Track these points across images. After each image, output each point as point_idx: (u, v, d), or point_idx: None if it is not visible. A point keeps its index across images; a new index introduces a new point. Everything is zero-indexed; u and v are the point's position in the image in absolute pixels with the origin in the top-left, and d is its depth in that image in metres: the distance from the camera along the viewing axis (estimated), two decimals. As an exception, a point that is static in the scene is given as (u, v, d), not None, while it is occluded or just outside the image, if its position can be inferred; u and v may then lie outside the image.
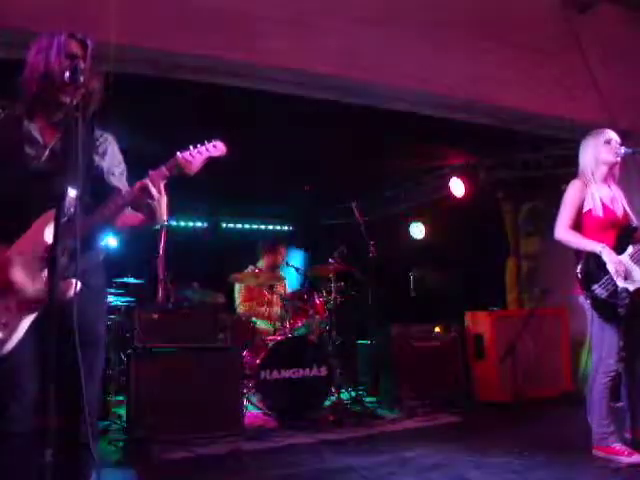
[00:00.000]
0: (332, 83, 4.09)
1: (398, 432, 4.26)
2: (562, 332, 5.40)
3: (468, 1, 4.44)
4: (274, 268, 5.71)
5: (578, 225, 3.26)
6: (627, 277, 3.07)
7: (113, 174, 2.07)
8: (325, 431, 4.18)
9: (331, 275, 5.19)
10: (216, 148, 1.97)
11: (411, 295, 6.93)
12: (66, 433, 1.83)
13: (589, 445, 3.20)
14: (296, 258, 6.98)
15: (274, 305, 5.50)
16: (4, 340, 1.73)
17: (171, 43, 3.51)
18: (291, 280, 6.05)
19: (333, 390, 4.80)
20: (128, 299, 5.25)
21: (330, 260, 5.24)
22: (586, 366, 4.69)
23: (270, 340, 4.80)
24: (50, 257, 1.57)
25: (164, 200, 1.93)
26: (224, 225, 8.32)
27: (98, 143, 2.06)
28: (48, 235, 1.77)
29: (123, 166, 2.14)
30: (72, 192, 1.73)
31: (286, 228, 8.98)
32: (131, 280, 5.41)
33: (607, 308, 3.10)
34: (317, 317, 5.08)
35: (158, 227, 4.87)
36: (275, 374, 4.49)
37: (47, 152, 1.93)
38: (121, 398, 4.67)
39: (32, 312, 1.76)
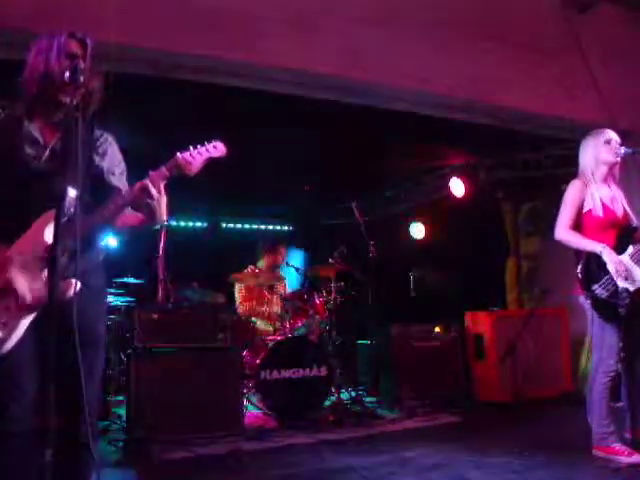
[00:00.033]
0: (332, 83, 4.09)
1: (398, 432, 4.26)
2: (562, 332, 5.40)
3: (468, 1, 4.44)
4: (274, 268, 5.71)
5: (578, 225, 3.26)
6: (627, 277, 3.07)
7: (113, 174, 2.07)
8: (325, 431, 4.18)
9: (331, 275, 5.19)
10: (216, 149, 1.97)
11: (411, 295, 6.93)
12: (66, 433, 1.82)
13: (589, 445, 3.20)
14: (296, 258, 6.98)
15: (274, 305, 5.49)
16: (4, 339, 1.73)
17: (171, 43, 3.51)
18: (291, 280, 6.05)
19: (333, 390, 4.80)
20: (128, 299, 5.25)
21: (330, 260, 5.24)
22: (586, 366, 4.70)
23: (270, 340, 4.80)
24: (50, 257, 1.57)
25: (164, 200, 1.93)
26: (224, 225, 8.32)
27: (98, 143, 2.06)
28: (48, 235, 1.77)
29: (123, 166, 2.14)
30: (72, 192, 1.73)
31: (286, 228, 8.97)
32: (131, 280, 5.41)
33: (607, 308, 3.10)
34: (317, 317, 5.08)
35: (158, 227, 4.87)
36: (275, 374, 4.49)
37: (47, 152, 1.93)
38: (121, 398, 4.67)
39: (32, 312, 1.76)
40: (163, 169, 1.90)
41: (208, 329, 4.26)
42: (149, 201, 1.89)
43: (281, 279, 5.75)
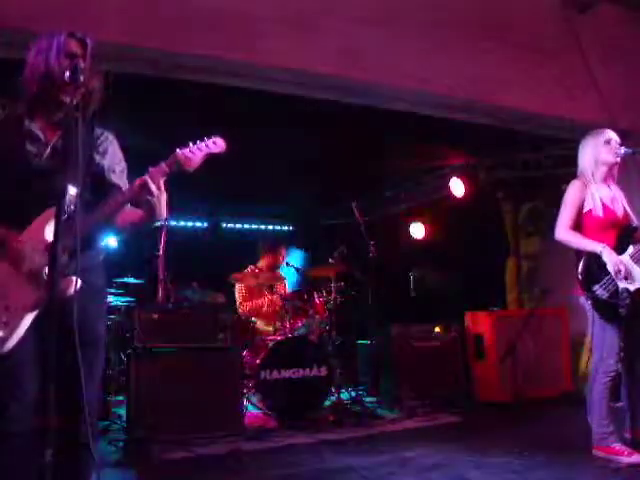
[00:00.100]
0: (332, 83, 4.09)
1: (398, 432, 4.26)
2: (562, 332, 5.39)
3: (468, 1, 4.44)
4: (274, 268, 5.71)
5: (578, 225, 3.26)
6: (628, 277, 3.07)
7: (114, 172, 2.08)
8: (325, 431, 4.18)
9: (331, 275, 5.19)
10: (216, 144, 1.97)
11: (411, 295, 6.93)
12: (66, 433, 1.82)
13: (589, 445, 3.20)
14: (296, 258, 6.99)
15: (274, 305, 5.49)
16: (5, 339, 1.73)
17: (171, 43, 3.51)
18: (291, 280, 6.05)
19: (333, 390, 4.80)
20: (128, 299, 5.25)
21: (330, 260, 5.24)
22: (586, 366, 4.69)
23: (270, 340, 4.80)
24: (50, 255, 1.57)
25: (164, 197, 1.93)
26: (224, 225, 8.32)
27: (99, 142, 2.07)
28: (48, 233, 1.77)
29: (124, 164, 2.14)
30: (72, 190, 1.73)
31: (286, 228, 8.97)
32: (131, 280, 5.41)
33: (608, 308, 3.10)
34: (317, 317, 5.08)
35: (158, 225, 4.86)
36: (275, 374, 4.49)
37: (48, 150, 1.93)
38: (121, 398, 4.67)
39: (33, 310, 1.76)
40: (163, 165, 1.90)
41: (208, 329, 4.26)
42: (149, 197, 1.89)
43: (281, 279, 5.75)
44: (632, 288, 3.08)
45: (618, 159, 3.30)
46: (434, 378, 5.15)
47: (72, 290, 1.72)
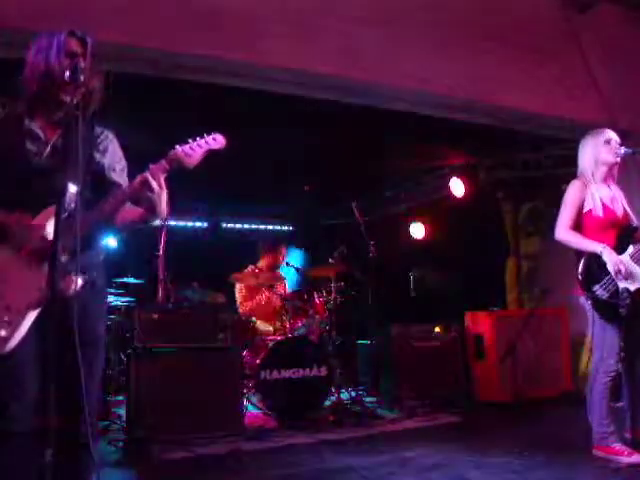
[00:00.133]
0: (332, 83, 4.09)
1: (398, 432, 4.26)
2: (562, 332, 5.39)
3: (468, 1, 4.44)
4: (274, 268, 5.71)
5: (578, 225, 3.26)
6: (628, 277, 3.07)
7: (114, 170, 2.08)
8: (325, 431, 4.18)
9: (331, 275, 5.19)
10: (216, 141, 1.97)
11: (411, 295, 6.93)
12: (66, 433, 1.82)
13: (589, 445, 3.20)
14: (295, 258, 6.99)
15: (274, 305, 5.49)
16: (7, 338, 1.72)
17: (171, 43, 3.51)
18: (291, 280, 6.05)
19: (333, 390, 4.80)
20: (128, 299, 5.25)
21: (330, 260, 5.24)
22: (586, 366, 4.69)
23: (270, 340, 4.80)
24: (50, 253, 1.57)
25: (165, 194, 1.92)
26: (224, 225, 8.32)
27: (99, 140, 2.07)
28: (49, 231, 1.78)
29: (124, 162, 2.14)
30: (73, 188, 1.73)
31: (286, 228, 8.97)
32: (131, 280, 5.41)
33: (608, 309, 3.09)
34: (317, 317, 5.09)
35: (158, 225, 4.86)
36: (275, 374, 4.49)
37: (48, 148, 1.93)
38: (121, 398, 4.67)
39: (35, 308, 1.75)
40: (163, 162, 1.90)
41: (208, 329, 4.26)
42: (150, 194, 1.88)
43: (281, 279, 5.75)
44: (632, 288, 3.08)
45: (618, 159, 3.30)
46: (434, 378, 5.15)
47: (73, 289, 1.72)
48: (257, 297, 5.54)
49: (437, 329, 5.45)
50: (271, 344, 4.65)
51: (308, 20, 3.89)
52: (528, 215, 6.82)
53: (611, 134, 3.33)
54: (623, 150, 3.27)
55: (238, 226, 8.53)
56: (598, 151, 3.29)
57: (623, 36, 5.05)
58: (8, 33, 3.12)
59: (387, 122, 4.90)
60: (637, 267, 3.11)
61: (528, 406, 4.75)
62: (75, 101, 1.85)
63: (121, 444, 3.78)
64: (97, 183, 2.00)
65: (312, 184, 6.89)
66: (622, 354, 3.16)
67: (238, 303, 5.52)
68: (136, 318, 4.11)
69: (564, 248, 3.30)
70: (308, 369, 4.62)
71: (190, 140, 1.93)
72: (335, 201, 7.15)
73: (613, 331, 3.11)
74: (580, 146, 3.40)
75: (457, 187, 6.45)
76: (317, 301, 5.18)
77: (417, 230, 7.45)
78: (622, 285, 3.07)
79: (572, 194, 3.29)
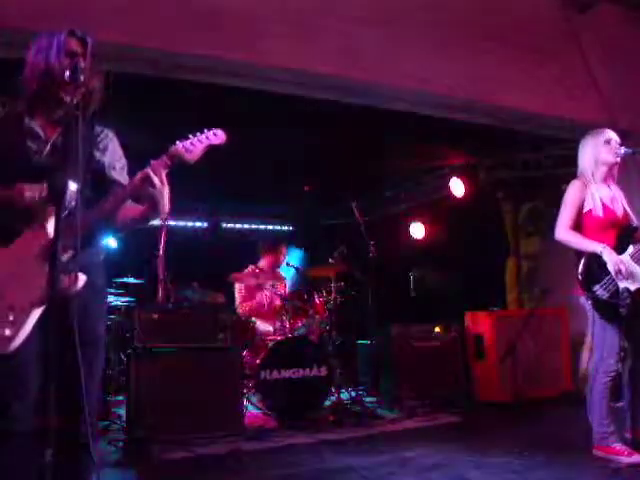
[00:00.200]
0: (332, 83, 4.09)
1: (398, 432, 4.26)
2: (562, 332, 5.39)
3: (468, 1, 4.44)
4: (275, 268, 5.71)
5: (578, 225, 3.26)
6: (628, 277, 3.07)
7: (114, 168, 2.07)
8: (325, 431, 4.18)
9: (331, 275, 5.19)
10: (216, 136, 1.97)
11: (411, 295, 6.93)
12: (66, 433, 1.82)
13: (589, 445, 3.20)
14: (295, 257, 6.99)
15: (274, 305, 5.50)
16: (11, 337, 1.72)
17: (171, 43, 3.51)
18: (291, 280, 6.05)
19: (333, 390, 4.80)
20: (128, 299, 5.25)
21: (330, 260, 5.24)
22: (586, 366, 4.69)
23: (270, 340, 4.80)
24: (51, 252, 1.57)
25: (166, 190, 1.92)
26: (224, 225, 8.32)
27: (99, 139, 2.07)
28: (50, 229, 1.78)
29: (124, 161, 2.14)
30: (73, 186, 1.73)
31: (286, 228, 8.98)
32: (131, 280, 5.41)
33: (608, 309, 3.09)
34: (317, 317, 5.09)
35: (158, 225, 4.87)
36: (275, 374, 4.49)
37: (49, 147, 1.93)
38: (121, 398, 4.67)
39: (39, 306, 1.75)
40: (164, 157, 1.90)
41: (208, 329, 4.26)
42: (152, 190, 1.88)
43: (281, 279, 5.75)
44: (632, 288, 3.08)
45: (618, 159, 3.30)
46: (434, 378, 5.15)
47: (76, 287, 1.72)
48: (257, 297, 5.54)
49: (437, 329, 5.44)
50: (271, 344, 4.65)
51: (308, 20, 3.89)
52: (528, 215, 6.82)
53: (611, 134, 3.33)
54: (623, 150, 3.27)
55: (238, 226, 8.53)
56: (598, 151, 3.29)
57: (623, 36, 5.06)
58: (8, 33, 3.12)
59: (387, 122, 4.91)
60: (637, 267, 3.11)
61: (528, 406, 4.75)
62: (75, 101, 1.85)
63: (121, 444, 3.78)
64: (97, 182, 2.00)
65: (312, 184, 6.89)
66: (622, 354, 3.16)
67: (237, 303, 5.51)
68: (136, 318, 4.11)
69: (564, 248, 3.30)
70: (308, 369, 4.62)
71: (190, 136, 1.93)
72: (335, 201, 7.15)
73: (613, 331, 3.11)
74: (580, 146, 3.40)
75: (457, 187, 6.45)
76: (317, 301, 5.18)
77: (417, 230, 7.45)
78: (622, 285, 3.07)
79: (572, 194, 3.29)
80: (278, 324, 5.09)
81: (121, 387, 4.79)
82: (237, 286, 5.56)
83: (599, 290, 3.09)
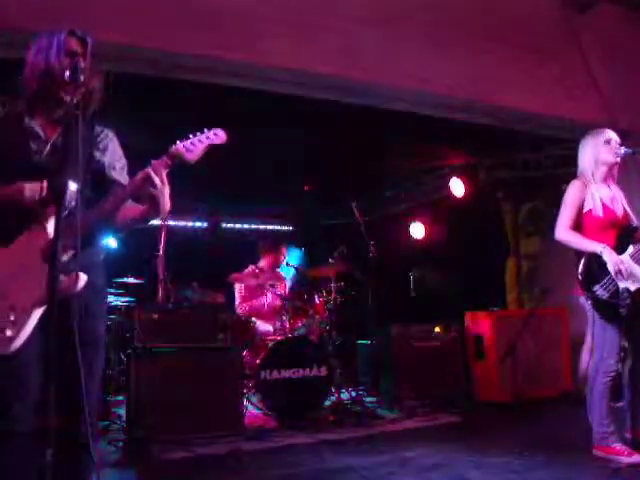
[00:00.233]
0: (332, 83, 4.09)
1: (398, 432, 4.26)
2: (562, 332, 5.39)
3: (468, 1, 4.44)
4: (275, 268, 5.71)
5: (578, 225, 3.26)
6: (628, 277, 3.07)
7: (114, 168, 2.07)
8: (325, 431, 4.18)
9: (331, 275, 5.19)
10: (217, 136, 1.97)
11: (411, 295, 6.93)
12: (66, 433, 1.82)
13: (589, 445, 3.20)
14: (295, 257, 6.99)
15: (274, 305, 5.50)
16: (13, 338, 1.72)
17: (171, 43, 3.51)
18: (291, 280, 6.05)
19: (333, 390, 4.80)
20: (128, 299, 5.25)
21: (330, 260, 5.24)
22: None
23: (270, 340, 4.80)
24: (51, 252, 1.57)
25: (167, 190, 1.92)
26: (224, 225, 8.32)
27: (99, 139, 2.06)
28: (50, 229, 1.78)
29: (124, 161, 2.14)
30: (73, 186, 1.73)
31: (286, 228, 8.98)
32: (131, 280, 5.41)
33: (608, 309, 3.09)
34: (317, 317, 5.09)
35: (158, 225, 4.87)
36: (275, 374, 4.49)
37: (49, 147, 1.93)
38: (121, 398, 4.67)
39: (40, 306, 1.75)
40: (165, 157, 1.90)
41: (208, 329, 4.26)
42: (152, 190, 1.88)
43: (281, 279, 5.75)
44: (632, 288, 3.08)
45: (618, 159, 3.30)
46: (434, 378, 5.15)
47: (77, 287, 1.72)
48: (257, 297, 5.54)
49: (437, 329, 5.44)
50: (271, 344, 4.65)
51: (308, 20, 3.89)
52: (528, 215, 6.82)
53: (611, 134, 3.33)
54: (623, 150, 3.27)
55: (238, 226, 8.53)
56: (598, 151, 3.29)
57: (623, 36, 5.06)
58: (8, 33, 3.12)
59: (387, 122, 4.91)
60: (637, 267, 3.11)
61: (528, 406, 4.75)
62: (75, 101, 1.84)
63: (121, 444, 3.78)
64: (97, 182, 1.99)
65: (312, 184, 6.89)
66: (622, 354, 3.16)
67: (237, 303, 5.52)
68: (136, 318, 4.11)
69: (564, 248, 3.30)
70: (308, 369, 4.62)
71: (191, 135, 1.93)
72: (335, 201, 7.15)
73: (613, 331, 3.11)
74: (580, 146, 3.40)
75: (457, 187, 6.45)
76: (317, 301, 5.18)
77: (417, 230, 7.45)
78: (622, 285, 3.07)
79: (572, 194, 3.29)
80: (278, 324, 5.09)
81: (121, 387, 4.79)
82: (237, 286, 5.57)
83: (599, 290, 3.09)
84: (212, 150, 1.98)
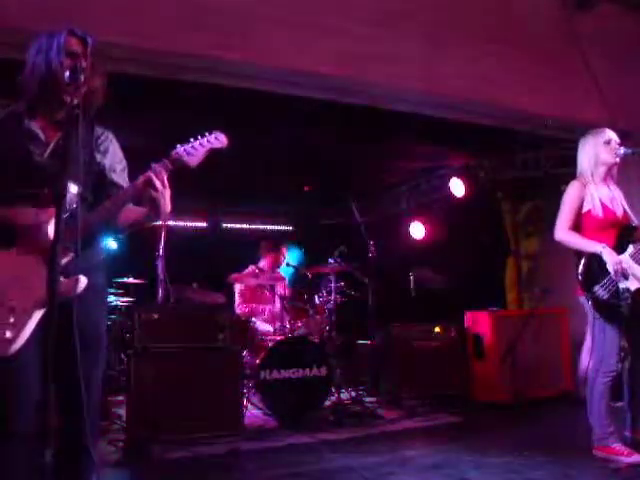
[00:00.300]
0: (332, 83, 4.09)
1: (398, 432, 4.26)
2: (562, 332, 5.39)
3: (468, 2, 4.44)
4: (275, 268, 5.71)
5: (578, 226, 3.25)
6: (628, 277, 3.07)
7: (114, 171, 2.07)
8: (325, 431, 4.18)
9: (331, 275, 5.19)
10: (218, 140, 1.97)
11: (411, 295, 6.93)
12: (67, 434, 1.82)
13: (589, 445, 3.20)
14: (295, 257, 6.98)
15: (274, 305, 5.49)
16: (12, 340, 1.72)
17: (171, 43, 3.51)
18: (291, 280, 6.05)
19: (333, 390, 4.80)
20: (128, 299, 5.25)
21: (330, 260, 5.24)
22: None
23: (270, 340, 4.80)
24: (51, 254, 1.57)
25: (168, 193, 1.92)
26: (224, 225, 8.32)
27: (99, 141, 2.06)
28: (50, 232, 1.78)
29: (124, 163, 2.14)
30: (74, 188, 1.73)
31: (286, 228, 8.98)
32: (131, 280, 5.41)
33: (608, 309, 3.09)
34: (317, 317, 5.09)
35: (160, 223, 4.86)
36: (275, 374, 4.49)
37: (49, 148, 1.93)
38: (121, 398, 4.67)
39: (40, 308, 1.75)
40: (166, 161, 1.90)
41: (208, 329, 4.26)
42: (153, 194, 1.88)
43: (281, 279, 5.74)
44: (633, 288, 3.08)
45: (617, 159, 3.29)
46: (434, 378, 5.15)
47: (77, 290, 1.72)
48: (257, 297, 5.54)
49: (437, 329, 5.45)
50: (271, 344, 4.65)
51: (308, 20, 3.89)
52: (528, 215, 6.83)
53: (611, 134, 3.33)
54: (623, 150, 3.27)
55: (238, 226, 8.53)
56: (598, 151, 3.29)
57: (623, 36, 5.06)
58: (8, 33, 3.12)
59: (387, 122, 4.91)
60: (637, 267, 3.11)
61: (528, 406, 4.75)
62: (76, 101, 1.84)
63: (121, 444, 3.78)
64: (98, 184, 1.99)
65: (312, 184, 6.89)
66: (622, 354, 3.16)
67: (237, 304, 5.52)
68: (136, 318, 4.11)
69: (564, 248, 3.30)
70: (308, 369, 4.61)
71: (192, 139, 1.93)
72: (335, 201, 7.15)
73: (613, 331, 3.11)
74: (580, 146, 3.39)
75: (457, 187, 6.45)
76: (317, 301, 5.18)
77: (417, 230, 7.45)
78: (622, 285, 3.07)
79: (571, 194, 3.28)
80: (278, 324, 5.10)
81: (121, 387, 4.78)
82: (237, 287, 5.57)
83: (599, 290, 3.09)
84: (212, 150, 1.98)
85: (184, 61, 3.66)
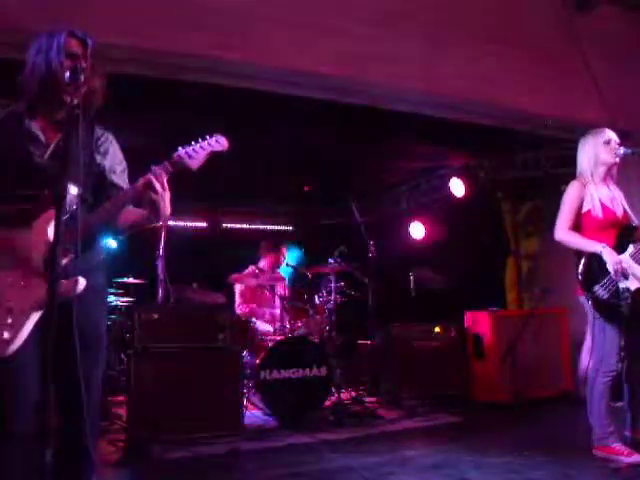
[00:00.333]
0: (332, 83, 4.09)
1: (398, 432, 4.26)
2: (562, 332, 5.39)
3: (468, 1, 4.44)
4: (275, 268, 5.71)
5: (578, 226, 3.25)
6: (628, 277, 3.07)
7: (114, 172, 2.07)
8: (325, 431, 4.18)
9: (331, 275, 5.19)
10: (218, 143, 1.97)
11: (411, 295, 6.93)
12: (67, 434, 1.83)
13: (589, 445, 3.20)
14: (295, 257, 6.99)
15: (274, 305, 5.49)
16: (10, 341, 1.72)
17: (171, 43, 3.51)
18: (291, 280, 6.05)
19: (333, 390, 4.80)
20: (128, 299, 5.25)
21: (330, 260, 5.24)
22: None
23: (270, 340, 4.80)
24: (50, 256, 1.57)
25: (168, 195, 1.92)
26: (224, 225, 8.32)
27: (100, 142, 2.06)
28: (50, 233, 1.78)
29: (124, 164, 2.14)
30: (74, 189, 1.73)
31: (286, 228, 8.98)
32: (131, 280, 5.41)
33: (608, 309, 3.09)
34: (317, 317, 5.09)
35: (159, 224, 4.86)
36: (275, 374, 4.49)
37: (49, 149, 1.93)
38: (121, 398, 4.67)
39: (38, 310, 1.75)
40: (166, 164, 1.90)
41: (208, 329, 4.26)
42: (153, 196, 1.88)
43: (281, 279, 5.75)
44: (632, 288, 3.08)
45: (617, 159, 3.29)
46: (434, 378, 5.15)
47: (76, 291, 1.72)
48: (257, 297, 5.54)
49: (437, 329, 5.45)
50: (271, 344, 4.65)
51: (308, 20, 3.89)
52: (528, 215, 6.83)
53: (611, 134, 3.33)
54: (622, 150, 3.27)
55: (238, 226, 8.53)
56: (597, 151, 3.29)
57: (623, 36, 5.06)
58: (8, 33, 3.12)
59: (387, 122, 4.91)
60: (637, 267, 3.11)
61: (528, 406, 4.75)
62: (76, 101, 1.84)
63: (121, 444, 3.78)
64: (98, 185, 1.99)
65: (312, 184, 6.89)
66: (622, 354, 3.16)
67: (238, 303, 5.52)
68: (136, 318, 4.11)
69: (564, 248, 3.30)
70: (308, 369, 4.61)
71: (193, 142, 1.93)
72: (335, 201, 7.15)
73: (613, 331, 3.11)
74: (580, 146, 3.39)
75: (457, 187, 6.45)
76: (317, 301, 5.18)
77: (417, 230, 7.45)
78: (622, 285, 3.07)
79: (571, 194, 3.28)
80: (278, 324, 5.10)
81: (121, 387, 4.78)
82: (237, 287, 5.57)
83: (599, 290, 3.09)
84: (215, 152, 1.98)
85: (184, 61, 3.66)
